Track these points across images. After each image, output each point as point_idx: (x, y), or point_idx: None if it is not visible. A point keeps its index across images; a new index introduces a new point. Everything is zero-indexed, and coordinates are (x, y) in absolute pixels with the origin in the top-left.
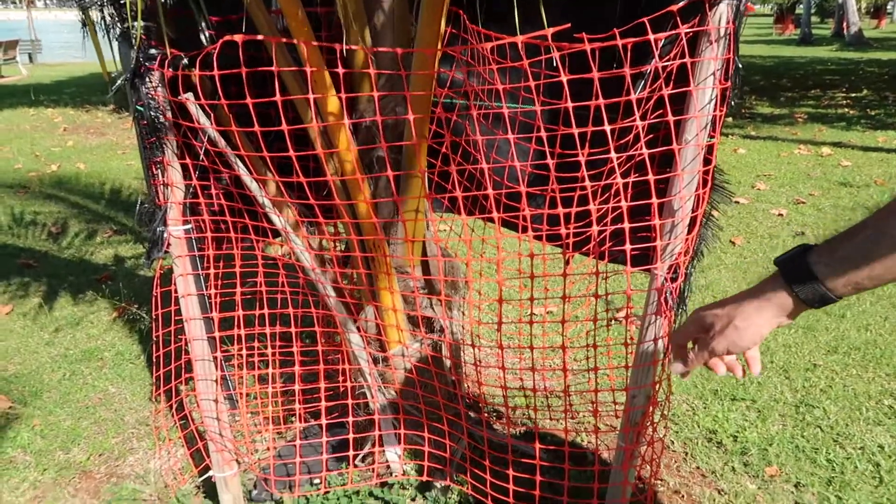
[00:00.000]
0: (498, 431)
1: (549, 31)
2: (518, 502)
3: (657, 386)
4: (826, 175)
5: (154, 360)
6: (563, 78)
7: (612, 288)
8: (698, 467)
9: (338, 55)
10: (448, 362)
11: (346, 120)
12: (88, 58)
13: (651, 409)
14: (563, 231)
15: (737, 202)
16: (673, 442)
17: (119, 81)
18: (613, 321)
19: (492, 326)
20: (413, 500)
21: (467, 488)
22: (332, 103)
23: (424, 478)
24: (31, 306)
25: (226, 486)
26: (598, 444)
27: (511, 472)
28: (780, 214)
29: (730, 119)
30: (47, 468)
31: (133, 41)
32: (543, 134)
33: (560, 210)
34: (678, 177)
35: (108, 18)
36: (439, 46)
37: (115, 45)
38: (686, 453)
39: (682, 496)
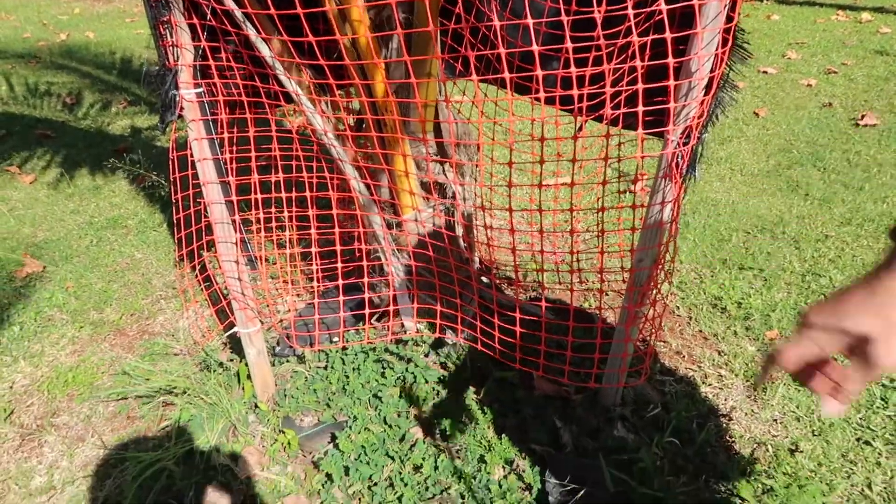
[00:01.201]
0: (508, 295)
1: None
2: (524, 356)
3: (662, 248)
4: (863, 43)
5: (175, 222)
6: None
7: (625, 159)
8: (701, 331)
9: None
10: (460, 227)
11: None
12: None
13: (656, 271)
14: (575, 93)
15: (764, 72)
16: (678, 307)
17: None
18: (626, 192)
19: (503, 194)
20: (426, 355)
21: (477, 344)
22: None
23: (437, 335)
24: (53, 176)
25: (250, 341)
26: (603, 306)
27: (518, 329)
28: (809, 85)
29: None
30: (83, 326)
31: None
32: None
33: (573, 71)
34: (698, 35)
35: None
36: None
37: None
38: (690, 318)
39: (683, 356)
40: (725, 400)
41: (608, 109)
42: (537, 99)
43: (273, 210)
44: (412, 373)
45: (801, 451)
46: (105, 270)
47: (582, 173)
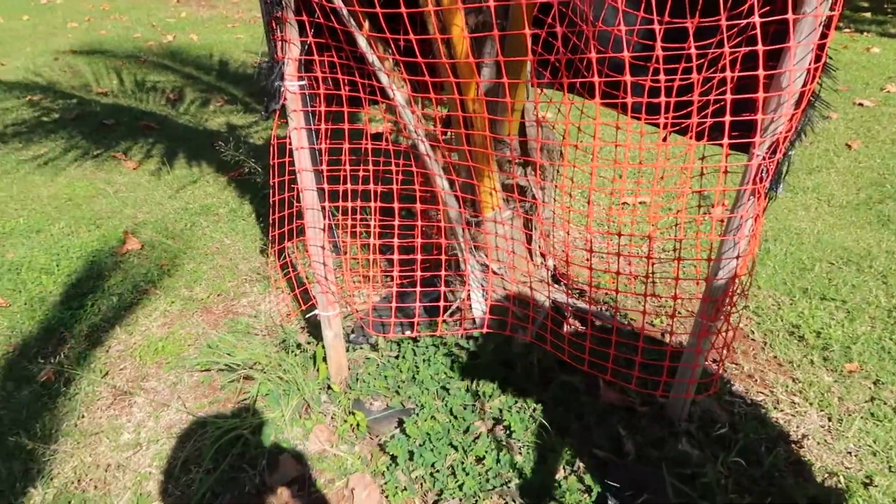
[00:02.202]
0: (580, 300)
1: None
2: (593, 360)
3: (741, 260)
4: None
5: (270, 204)
6: None
7: (706, 179)
8: (776, 357)
9: None
10: (538, 229)
11: None
12: None
13: (732, 285)
14: (662, 101)
15: (860, 104)
16: (753, 331)
17: None
18: (706, 215)
19: (582, 213)
20: (495, 353)
21: (546, 345)
22: None
23: (507, 333)
24: (154, 164)
25: (329, 324)
26: (675, 326)
27: (588, 332)
28: None
29: (868, 14)
30: (174, 301)
31: None
32: None
33: (661, 78)
34: (790, 50)
35: None
36: None
37: None
38: (765, 343)
39: (755, 380)
40: (797, 427)
41: (695, 119)
42: (623, 108)
43: (359, 201)
44: (480, 368)
45: (876, 486)
46: (196, 252)
47: (661, 185)
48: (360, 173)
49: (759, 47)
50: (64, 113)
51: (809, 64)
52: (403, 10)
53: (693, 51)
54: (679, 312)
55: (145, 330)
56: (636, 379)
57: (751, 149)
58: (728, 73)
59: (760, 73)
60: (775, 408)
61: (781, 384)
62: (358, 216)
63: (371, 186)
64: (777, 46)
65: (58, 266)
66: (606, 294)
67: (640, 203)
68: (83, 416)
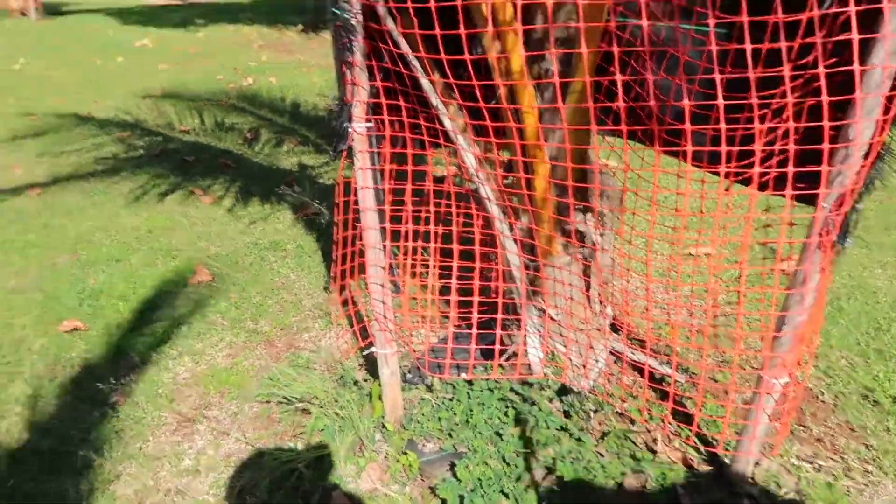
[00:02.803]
0: (639, 351)
1: None
2: (649, 419)
3: (805, 315)
4: None
5: (335, 241)
6: None
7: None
8: (847, 421)
9: None
10: (597, 277)
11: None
12: None
13: (798, 342)
14: (724, 150)
15: None
16: (823, 392)
17: None
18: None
19: (642, 261)
20: (550, 400)
21: (603, 395)
22: (506, 10)
23: (562, 381)
24: (229, 200)
25: (386, 362)
26: (738, 383)
27: (646, 382)
28: None
29: None
30: (239, 333)
31: None
32: (714, 48)
33: (722, 127)
34: (857, 101)
35: None
36: None
37: None
38: (836, 405)
39: (825, 444)
40: (870, 498)
41: (757, 169)
42: (684, 157)
43: (420, 241)
44: (534, 416)
45: None
46: (263, 287)
47: (723, 235)
48: (422, 214)
49: (824, 98)
50: (149, 149)
51: (878, 116)
52: (467, 56)
53: (754, 101)
54: (742, 367)
55: (211, 359)
56: (696, 435)
57: (817, 201)
58: (791, 124)
59: (825, 123)
60: (846, 475)
61: (853, 450)
62: (418, 256)
63: (431, 227)
64: (843, 98)
65: (134, 294)
66: (667, 346)
67: (704, 254)
68: (148, 440)
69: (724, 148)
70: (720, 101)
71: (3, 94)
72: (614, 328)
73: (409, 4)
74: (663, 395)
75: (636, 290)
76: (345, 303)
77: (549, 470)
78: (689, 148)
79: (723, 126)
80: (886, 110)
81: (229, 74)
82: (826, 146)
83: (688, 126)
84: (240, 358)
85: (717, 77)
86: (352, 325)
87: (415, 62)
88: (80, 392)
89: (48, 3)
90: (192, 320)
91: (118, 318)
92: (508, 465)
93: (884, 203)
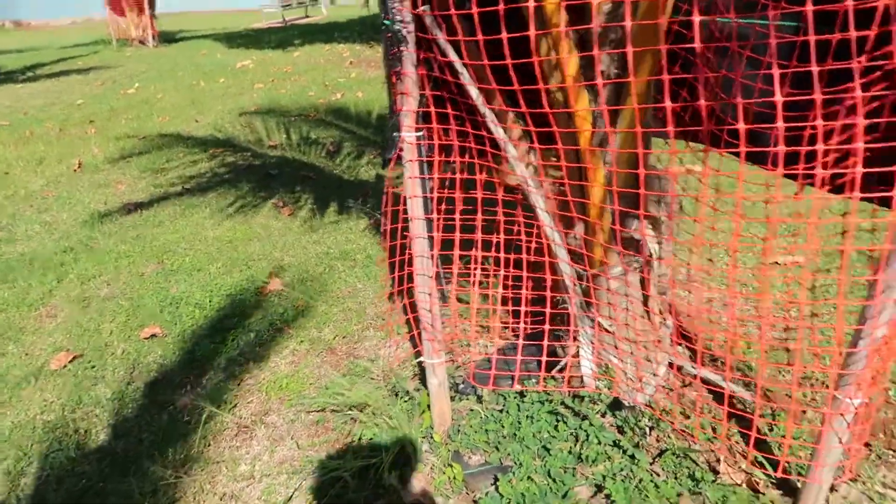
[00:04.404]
0: (701, 366)
1: None
2: (709, 433)
3: (885, 332)
4: None
5: (388, 249)
6: None
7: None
8: None
9: None
10: (653, 288)
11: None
12: None
13: (874, 357)
14: (780, 151)
15: None
16: None
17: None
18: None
19: (716, 269)
20: (603, 415)
21: (657, 412)
22: (555, 13)
23: (615, 395)
24: (306, 211)
25: (433, 372)
26: (817, 400)
27: (699, 400)
28: None
29: None
30: (303, 341)
31: None
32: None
33: (780, 124)
34: None
35: None
36: None
37: None
38: None
39: None
40: None
41: (826, 169)
42: (752, 159)
43: (477, 251)
44: (585, 430)
45: None
46: (330, 295)
47: (800, 243)
48: (473, 223)
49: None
50: (237, 165)
51: None
52: (509, 61)
53: (818, 97)
54: (812, 384)
55: (274, 366)
56: (762, 456)
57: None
58: (860, 120)
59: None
60: None
61: None
62: (472, 266)
63: (478, 236)
64: None
65: (210, 302)
66: (734, 362)
67: (793, 263)
68: (210, 445)
69: (782, 148)
70: (817, 95)
71: (115, 117)
72: (678, 338)
73: (453, 12)
74: (730, 414)
75: (708, 303)
76: (400, 310)
77: (599, 488)
78: (742, 149)
79: (780, 125)
80: None
81: (320, 90)
82: None
83: (741, 126)
84: (301, 365)
85: (814, 69)
86: (410, 332)
87: (462, 70)
88: (153, 396)
89: (165, 31)
90: (260, 328)
91: (194, 324)
92: (555, 480)
93: None
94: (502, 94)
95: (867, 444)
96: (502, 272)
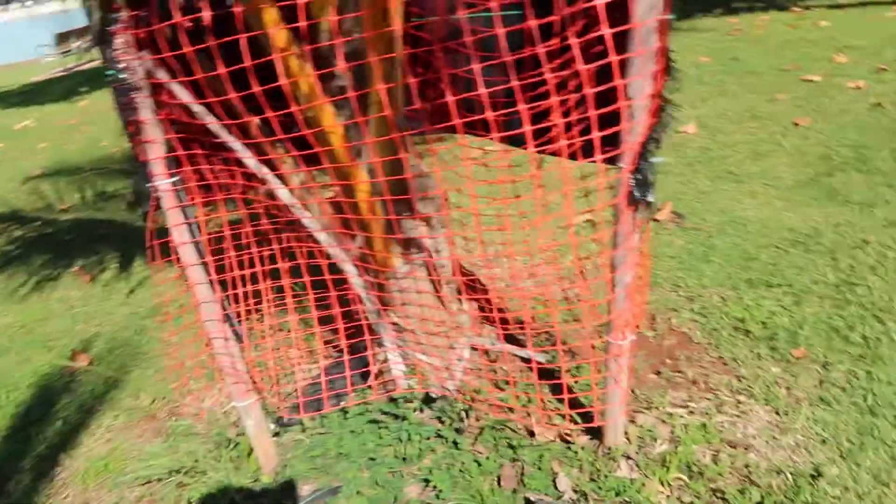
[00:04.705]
0: (499, 342)
1: None
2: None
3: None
4: None
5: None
6: None
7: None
8: (720, 357)
9: None
10: (440, 279)
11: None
12: None
13: (632, 297)
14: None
15: (808, 80)
16: (697, 333)
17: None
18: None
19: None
20: (420, 411)
21: (471, 394)
22: (282, 35)
23: (429, 390)
24: (108, 274)
25: (248, 414)
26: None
27: (512, 378)
28: (858, 87)
29: None
30: (118, 414)
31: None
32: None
33: (523, 107)
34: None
35: None
36: None
37: None
38: (710, 344)
39: (699, 385)
40: (744, 428)
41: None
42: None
43: (266, 282)
44: (406, 430)
45: (824, 477)
46: (143, 358)
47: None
48: (246, 257)
49: (613, 58)
50: (26, 237)
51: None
52: (257, 90)
53: (550, 76)
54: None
55: (88, 451)
56: (567, 410)
57: (617, 161)
58: (589, 90)
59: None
60: (719, 411)
61: (725, 385)
62: (266, 298)
63: (258, 268)
64: (601, 63)
65: (7, 399)
66: (518, 325)
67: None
68: None
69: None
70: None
71: None
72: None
73: (168, 54)
74: (541, 377)
75: (502, 279)
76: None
77: (426, 482)
78: (496, 135)
79: (520, 107)
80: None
81: (114, 138)
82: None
83: (490, 115)
84: (118, 441)
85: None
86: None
87: (199, 109)
88: None
89: None
90: (68, 413)
91: None
92: (383, 488)
93: (753, 133)
94: (258, 124)
95: (657, 372)
96: (289, 302)
